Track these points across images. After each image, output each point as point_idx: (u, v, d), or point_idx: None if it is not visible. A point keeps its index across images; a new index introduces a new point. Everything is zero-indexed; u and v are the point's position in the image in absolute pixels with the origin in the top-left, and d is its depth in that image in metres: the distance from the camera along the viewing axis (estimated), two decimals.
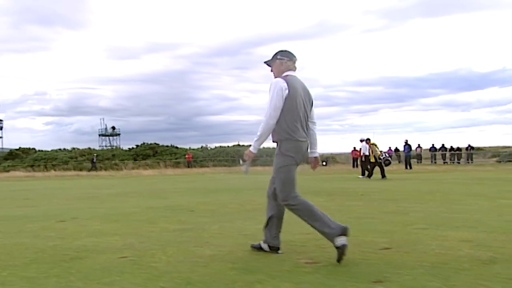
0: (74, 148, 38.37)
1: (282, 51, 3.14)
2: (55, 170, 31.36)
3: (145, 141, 37.21)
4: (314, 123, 3.20)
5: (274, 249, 3.02)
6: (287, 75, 3.01)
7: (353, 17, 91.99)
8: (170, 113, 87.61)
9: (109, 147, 49.89)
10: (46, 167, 32.88)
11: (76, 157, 35.11)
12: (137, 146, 36.57)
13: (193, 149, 37.51)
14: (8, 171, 31.33)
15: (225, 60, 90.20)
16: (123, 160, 33.24)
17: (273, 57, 3.14)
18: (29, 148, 37.78)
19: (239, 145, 38.09)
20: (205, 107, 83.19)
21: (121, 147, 45.59)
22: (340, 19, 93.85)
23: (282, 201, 2.91)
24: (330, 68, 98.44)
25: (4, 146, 43.13)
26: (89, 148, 39.10)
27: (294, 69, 3.11)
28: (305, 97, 3.03)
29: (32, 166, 33.16)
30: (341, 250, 2.62)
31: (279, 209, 3.05)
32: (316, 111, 3.35)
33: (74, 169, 32.14)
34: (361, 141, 15.21)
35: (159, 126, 78.62)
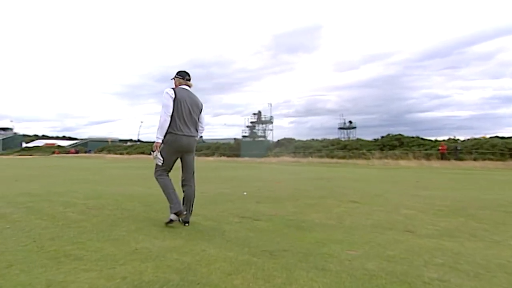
0: (324, 139, 38.53)
1: (178, 72, 3.70)
2: (311, 157, 31.85)
3: (389, 134, 33.33)
4: (201, 125, 3.72)
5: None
6: (177, 87, 3.63)
7: None
8: (383, 112, 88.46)
9: (347, 138, 48.67)
10: (304, 154, 33.93)
11: (327, 146, 34.87)
12: (382, 137, 33.15)
13: (439, 141, 30.86)
14: (278, 156, 34.02)
15: (436, 62, 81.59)
16: (370, 150, 30.55)
17: (175, 75, 3.71)
18: (291, 138, 40.37)
19: (500, 137, 28.92)
20: (415, 105, 78.54)
21: (356, 138, 43.37)
22: None
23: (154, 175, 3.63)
24: None
25: (273, 137, 47.72)
26: (338, 139, 38.47)
27: (186, 84, 3.68)
28: (192, 105, 3.57)
29: (294, 152, 34.87)
30: (170, 221, 3.51)
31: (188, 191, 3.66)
32: None
33: (327, 157, 31.84)
34: None
35: (374, 122, 79.39)
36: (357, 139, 40.52)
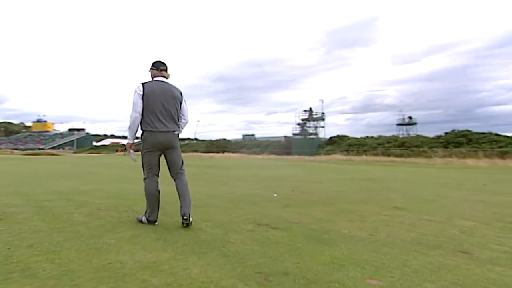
0: (380, 136, 36.22)
1: (153, 62, 3.36)
2: (366, 155, 29.99)
3: (452, 130, 30.07)
4: (180, 117, 3.38)
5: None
6: (151, 80, 3.32)
7: None
8: (449, 106, 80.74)
9: (406, 135, 45.34)
10: (358, 152, 32.15)
11: (383, 143, 32.67)
12: (446, 133, 30.13)
13: None
14: (329, 154, 32.67)
15: None
16: (431, 147, 27.90)
17: (150, 67, 3.38)
18: (344, 135, 38.60)
19: None
20: (487, 98, 69.39)
21: (415, 135, 39.95)
22: None
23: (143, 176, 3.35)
24: None
25: (325, 135, 46.21)
26: (394, 136, 35.92)
27: (162, 75, 3.34)
28: (167, 97, 3.23)
29: (347, 150, 33.23)
30: (140, 221, 3.44)
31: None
32: None
33: (382, 155, 29.75)
34: None
35: (438, 118, 72.37)
36: (417, 135, 37.42)
